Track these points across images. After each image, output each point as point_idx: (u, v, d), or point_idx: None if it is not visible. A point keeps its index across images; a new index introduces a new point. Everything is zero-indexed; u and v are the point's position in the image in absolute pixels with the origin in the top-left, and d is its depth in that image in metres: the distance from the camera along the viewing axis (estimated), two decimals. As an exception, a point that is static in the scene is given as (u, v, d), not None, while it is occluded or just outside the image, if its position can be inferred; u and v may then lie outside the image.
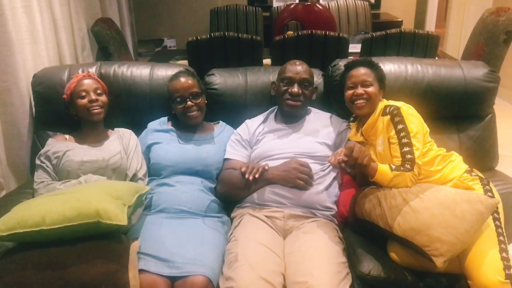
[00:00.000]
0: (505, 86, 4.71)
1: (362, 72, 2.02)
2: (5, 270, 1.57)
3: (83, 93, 2.07)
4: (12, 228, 1.59)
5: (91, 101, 2.06)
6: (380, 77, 2.05)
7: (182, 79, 2.13)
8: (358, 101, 1.99)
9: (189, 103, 2.10)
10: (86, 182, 1.93)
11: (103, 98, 2.12)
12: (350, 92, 2.02)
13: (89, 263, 1.56)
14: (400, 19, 5.19)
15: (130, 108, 2.28)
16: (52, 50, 2.64)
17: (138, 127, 2.24)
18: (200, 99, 2.14)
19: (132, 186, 1.88)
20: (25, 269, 1.55)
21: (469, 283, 1.63)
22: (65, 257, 1.58)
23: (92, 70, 2.30)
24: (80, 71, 2.28)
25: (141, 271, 1.64)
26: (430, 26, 5.68)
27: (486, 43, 3.23)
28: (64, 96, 2.12)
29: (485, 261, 1.60)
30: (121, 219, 1.64)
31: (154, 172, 2.10)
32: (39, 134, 2.30)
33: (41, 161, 2.02)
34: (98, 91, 2.10)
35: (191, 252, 1.72)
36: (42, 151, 2.06)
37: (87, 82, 2.10)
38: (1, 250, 1.71)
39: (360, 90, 1.98)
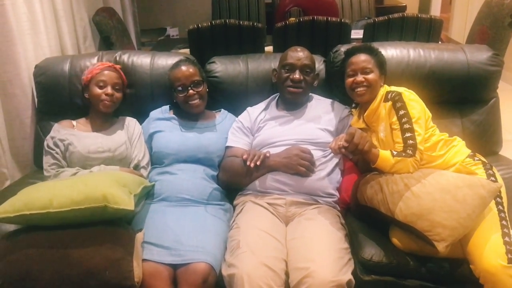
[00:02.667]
0: (510, 69, 4.67)
1: (361, 59, 2.00)
2: (9, 249, 1.60)
3: (101, 83, 2.06)
4: (19, 210, 1.61)
5: (106, 94, 2.05)
6: (381, 62, 2.03)
7: (183, 68, 2.12)
8: (359, 89, 1.97)
9: (190, 91, 2.09)
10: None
11: (119, 94, 2.12)
12: (350, 79, 2.01)
13: (95, 248, 1.58)
14: (404, 4, 5.13)
15: (132, 97, 2.28)
16: (54, 41, 2.64)
17: (140, 116, 2.24)
18: (202, 87, 2.13)
19: (137, 178, 1.91)
20: (28, 248, 1.58)
21: (471, 267, 1.63)
22: (70, 240, 1.61)
23: (94, 60, 2.30)
24: (82, 62, 2.28)
25: (144, 260, 1.66)
26: (435, 11, 5.62)
27: (491, 27, 3.19)
28: (84, 77, 2.11)
29: (487, 246, 1.59)
30: (128, 204, 1.65)
31: (156, 160, 2.10)
32: (42, 125, 2.31)
33: (50, 148, 2.01)
34: (117, 87, 2.10)
35: (193, 240, 1.73)
36: (49, 136, 2.05)
37: (109, 73, 2.09)
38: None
39: (360, 77, 1.97)
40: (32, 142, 2.34)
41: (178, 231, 1.76)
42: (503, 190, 1.78)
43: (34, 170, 2.34)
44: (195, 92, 2.10)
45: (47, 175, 1.97)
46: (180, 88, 2.10)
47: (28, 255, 1.56)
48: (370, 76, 1.96)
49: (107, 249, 1.58)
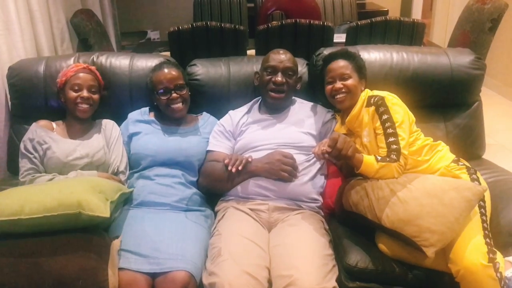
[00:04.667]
0: (491, 75, 4.71)
1: (339, 65, 1.98)
2: None
3: (76, 87, 1.98)
4: None
5: (82, 98, 1.98)
6: (359, 67, 2.01)
7: (166, 70, 2.07)
8: (338, 96, 1.95)
9: (174, 94, 2.04)
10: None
11: (96, 96, 2.04)
12: (329, 87, 1.99)
13: (68, 256, 1.52)
14: (386, 9, 5.16)
15: (110, 99, 2.20)
16: (29, 42, 2.56)
17: (118, 119, 2.18)
18: (185, 90, 2.08)
19: (116, 184, 1.84)
20: None
21: (449, 266, 1.59)
22: (42, 248, 1.53)
23: (70, 61, 2.23)
24: (58, 63, 2.21)
25: (121, 268, 1.60)
26: (416, 16, 5.66)
27: (472, 31, 3.21)
28: (58, 80, 2.03)
29: (470, 245, 1.57)
30: (103, 211, 1.59)
31: (133, 163, 2.04)
32: (15, 128, 2.23)
33: (28, 151, 1.93)
34: (93, 89, 2.02)
35: (172, 247, 1.67)
36: (27, 137, 1.97)
37: (84, 76, 2.01)
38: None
39: (338, 84, 1.95)
40: (5, 147, 2.26)
41: (156, 238, 1.70)
42: (487, 194, 1.77)
43: (7, 176, 2.25)
44: (178, 96, 2.05)
45: (23, 180, 1.89)
46: (162, 91, 2.04)
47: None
48: (349, 82, 1.94)
49: (81, 257, 1.52)
